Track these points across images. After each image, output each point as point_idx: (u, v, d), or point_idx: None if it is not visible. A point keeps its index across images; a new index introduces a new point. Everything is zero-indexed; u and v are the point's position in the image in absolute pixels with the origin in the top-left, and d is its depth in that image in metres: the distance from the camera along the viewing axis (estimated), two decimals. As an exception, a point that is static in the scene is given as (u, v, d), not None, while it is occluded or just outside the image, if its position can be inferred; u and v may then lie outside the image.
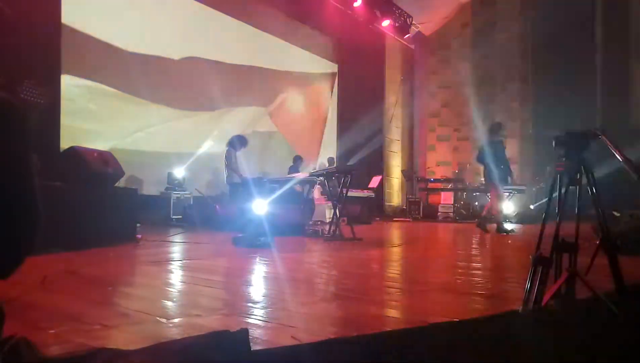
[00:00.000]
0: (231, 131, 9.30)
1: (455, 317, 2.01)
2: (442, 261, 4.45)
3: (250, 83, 10.81)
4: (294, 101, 12.16)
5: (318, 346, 1.52)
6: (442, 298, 2.56)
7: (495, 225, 7.48)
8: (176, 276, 3.15)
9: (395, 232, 8.08)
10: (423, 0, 14.26)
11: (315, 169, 10.51)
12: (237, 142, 8.42)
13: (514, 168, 14.10)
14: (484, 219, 7.80)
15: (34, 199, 1.02)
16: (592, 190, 1.96)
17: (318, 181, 8.56)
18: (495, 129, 7.79)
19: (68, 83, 7.40)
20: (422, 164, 16.07)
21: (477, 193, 12.29)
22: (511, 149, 14.65)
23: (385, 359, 1.56)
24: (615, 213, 5.18)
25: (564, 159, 1.97)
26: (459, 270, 3.84)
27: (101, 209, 4.46)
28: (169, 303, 2.29)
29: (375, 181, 11.16)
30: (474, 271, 3.65)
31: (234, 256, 4.15)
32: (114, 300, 2.31)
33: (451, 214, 12.16)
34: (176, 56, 9.20)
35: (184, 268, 3.50)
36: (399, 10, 13.71)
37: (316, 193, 9.28)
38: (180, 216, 8.07)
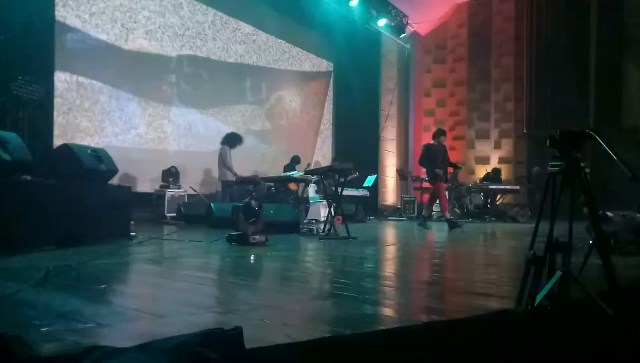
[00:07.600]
0: (226, 129, 9.30)
1: (449, 316, 2.01)
2: (435, 260, 4.46)
3: (245, 81, 10.80)
4: (289, 99, 12.15)
5: (312, 344, 1.52)
6: (436, 296, 2.57)
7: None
8: (170, 274, 3.14)
9: (389, 231, 8.09)
10: (419, -1, 14.27)
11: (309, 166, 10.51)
12: (232, 140, 8.41)
13: (509, 166, 14.28)
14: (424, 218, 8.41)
15: None
16: (585, 190, 1.97)
17: (313, 180, 8.56)
18: (436, 135, 8.76)
19: (61, 80, 7.36)
20: (417, 164, 16.07)
21: (473, 193, 12.32)
22: (506, 149, 14.74)
23: (379, 358, 1.56)
24: (608, 213, 5.20)
25: (557, 159, 1.98)
26: (453, 269, 3.85)
27: (94, 207, 4.43)
28: (163, 301, 2.29)
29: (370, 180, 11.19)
30: (467, 270, 3.66)
31: (227, 254, 4.14)
32: (107, 298, 2.30)
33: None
34: (171, 54, 9.17)
35: (177, 266, 3.49)
36: (395, 10, 13.70)
37: (311, 191, 9.28)
38: (174, 214, 8.05)
